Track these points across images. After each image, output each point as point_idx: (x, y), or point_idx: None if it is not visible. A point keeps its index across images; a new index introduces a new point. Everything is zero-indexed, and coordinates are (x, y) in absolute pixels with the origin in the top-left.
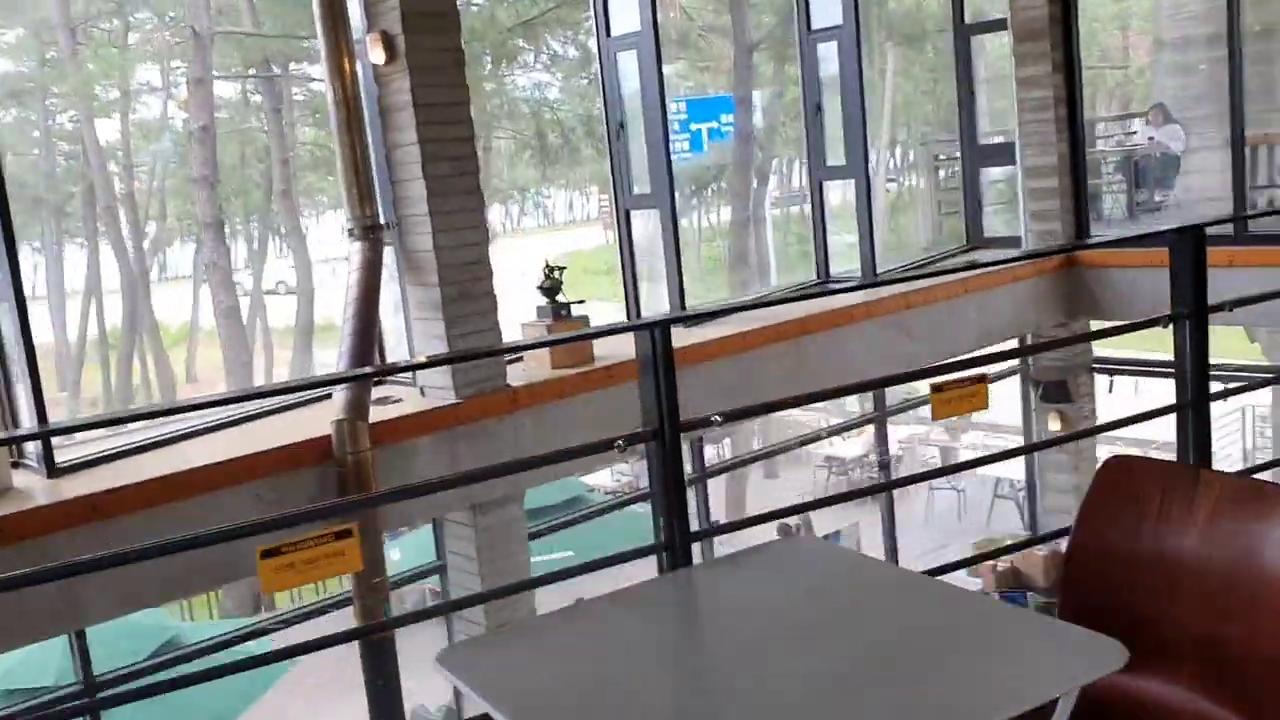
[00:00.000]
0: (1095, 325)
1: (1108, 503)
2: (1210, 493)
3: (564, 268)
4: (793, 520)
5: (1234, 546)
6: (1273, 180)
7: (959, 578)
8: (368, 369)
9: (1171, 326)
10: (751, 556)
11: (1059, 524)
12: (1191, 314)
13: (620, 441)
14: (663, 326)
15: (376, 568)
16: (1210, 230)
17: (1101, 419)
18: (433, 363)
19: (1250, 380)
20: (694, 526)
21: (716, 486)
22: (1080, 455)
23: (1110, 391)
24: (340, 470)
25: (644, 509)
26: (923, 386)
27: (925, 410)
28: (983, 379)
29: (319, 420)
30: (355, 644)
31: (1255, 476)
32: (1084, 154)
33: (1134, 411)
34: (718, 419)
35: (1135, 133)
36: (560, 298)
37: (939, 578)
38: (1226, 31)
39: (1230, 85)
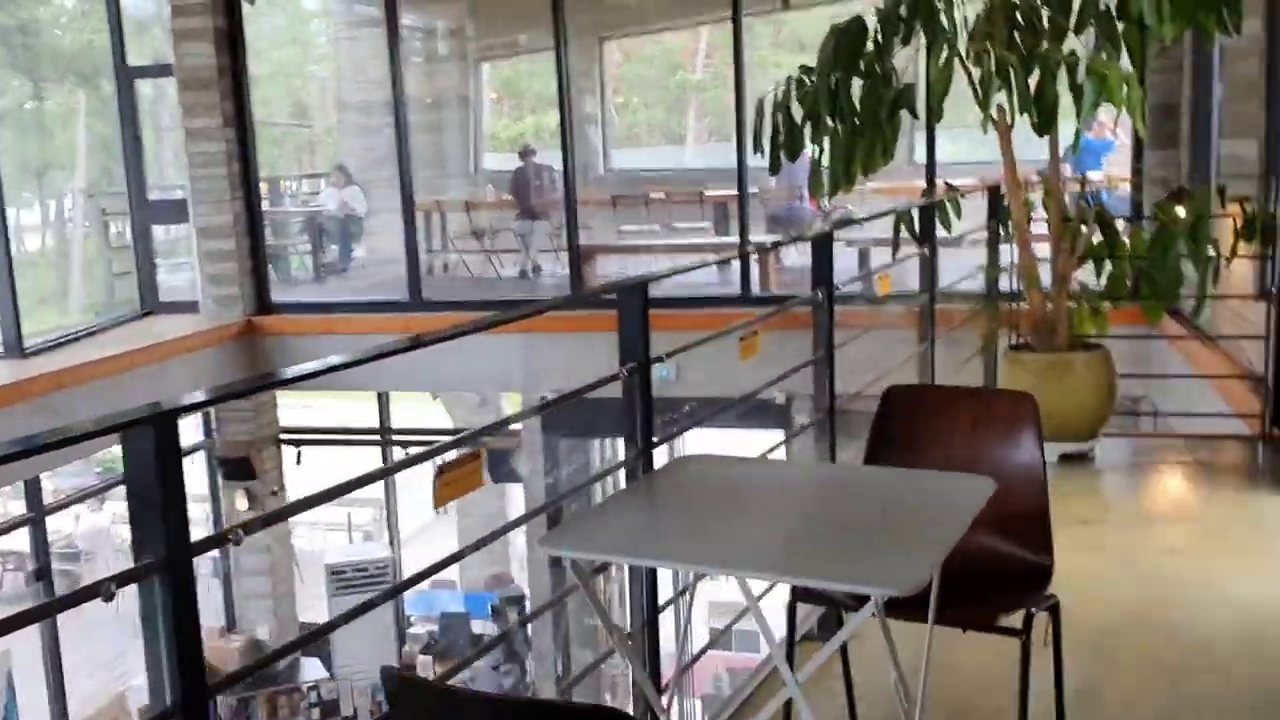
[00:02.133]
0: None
1: None
2: None
3: None
4: None
5: None
6: (446, 245)
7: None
8: None
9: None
10: None
11: (254, 611)
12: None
13: None
14: None
15: None
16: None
17: (293, 493)
18: None
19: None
20: None
21: None
22: (275, 535)
23: (299, 463)
24: None
25: None
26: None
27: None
28: None
29: None
30: None
31: None
32: (261, 213)
33: (332, 483)
34: None
35: (320, 193)
36: None
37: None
38: (393, 100)
39: (399, 152)
